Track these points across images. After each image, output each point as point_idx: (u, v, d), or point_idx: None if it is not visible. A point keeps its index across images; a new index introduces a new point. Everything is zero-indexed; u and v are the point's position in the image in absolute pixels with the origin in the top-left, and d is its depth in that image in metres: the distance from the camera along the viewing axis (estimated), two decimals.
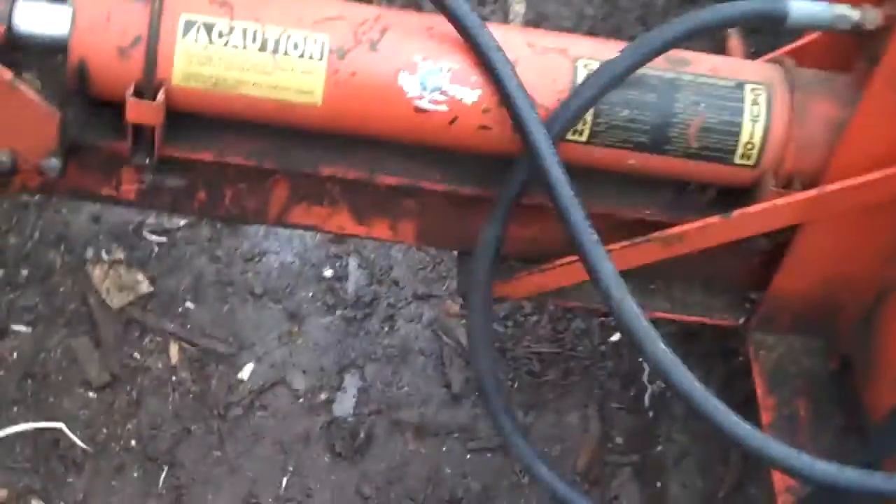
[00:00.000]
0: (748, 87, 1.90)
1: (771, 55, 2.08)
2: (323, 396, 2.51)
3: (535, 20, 3.20)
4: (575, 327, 2.64)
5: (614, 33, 3.18)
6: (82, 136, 1.95)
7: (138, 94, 1.83)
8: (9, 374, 2.46)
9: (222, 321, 2.59)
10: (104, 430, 2.42)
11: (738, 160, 1.90)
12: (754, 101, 1.88)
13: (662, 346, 1.72)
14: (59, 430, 2.40)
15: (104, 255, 2.63)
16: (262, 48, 1.84)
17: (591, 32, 3.19)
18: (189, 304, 2.60)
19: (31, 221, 2.65)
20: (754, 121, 1.88)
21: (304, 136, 1.96)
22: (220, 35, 1.83)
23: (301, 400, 2.51)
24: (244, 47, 1.84)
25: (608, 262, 1.78)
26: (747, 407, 2.18)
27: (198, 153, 1.96)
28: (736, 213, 1.91)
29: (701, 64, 1.92)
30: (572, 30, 3.19)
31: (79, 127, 1.94)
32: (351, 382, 2.53)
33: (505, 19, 3.20)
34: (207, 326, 2.57)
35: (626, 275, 1.84)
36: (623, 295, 1.75)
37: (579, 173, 1.92)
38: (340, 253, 2.71)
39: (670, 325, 2.24)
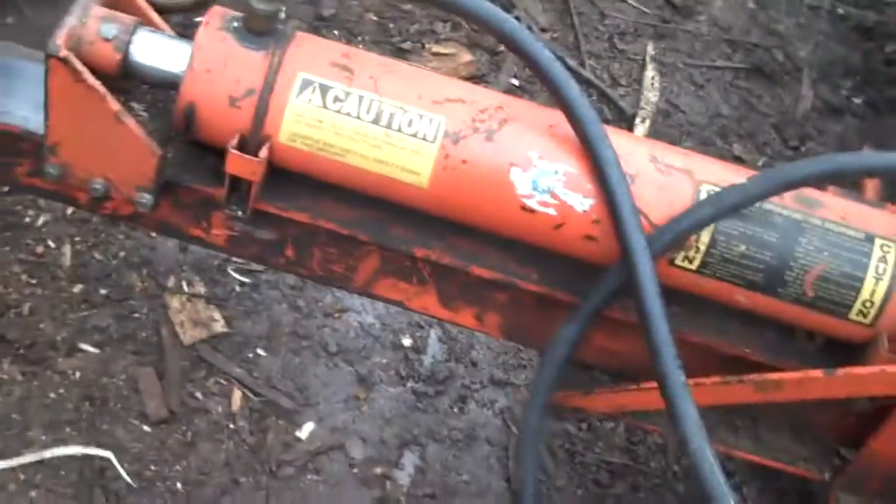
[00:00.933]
0: (878, 241, 1.78)
1: None
2: (379, 470, 2.43)
3: (667, 110, 3.12)
4: (651, 441, 2.53)
5: (746, 137, 3.09)
6: (179, 176, 1.90)
7: (241, 146, 1.78)
8: (69, 393, 2.42)
9: (291, 374, 2.52)
10: (152, 467, 2.36)
11: (853, 316, 1.79)
12: (882, 258, 1.77)
13: None
14: (108, 460, 2.34)
15: (185, 287, 2.59)
16: (376, 120, 1.77)
17: (723, 133, 3.11)
18: (260, 351, 2.54)
19: (118, 240, 2.62)
20: (878, 278, 1.77)
21: (402, 212, 1.88)
22: (336, 100, 1.77)
23: (356, 470, 2.42)
24: (357, 116, 1.77)
25: (690, 403, 1.69)
26: None
27: (292, 213, 1.90)
28: (841, 371, 1.79)
29: (832, 209, 1.81)
30: (703, 126, 3.11)
31: (178, 166, 1.89)
32: (410, 460, 2.45)
33: (636, 104, 3.12)
34: (275, 377, 2.51)
35: (712, 406, 1.73)
36: (701, 444, 1.65)
37: (682, 299, 1.83)
38: (423, 323, 2.63)
39: None
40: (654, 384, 1.84)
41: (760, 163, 3.05)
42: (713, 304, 1.87)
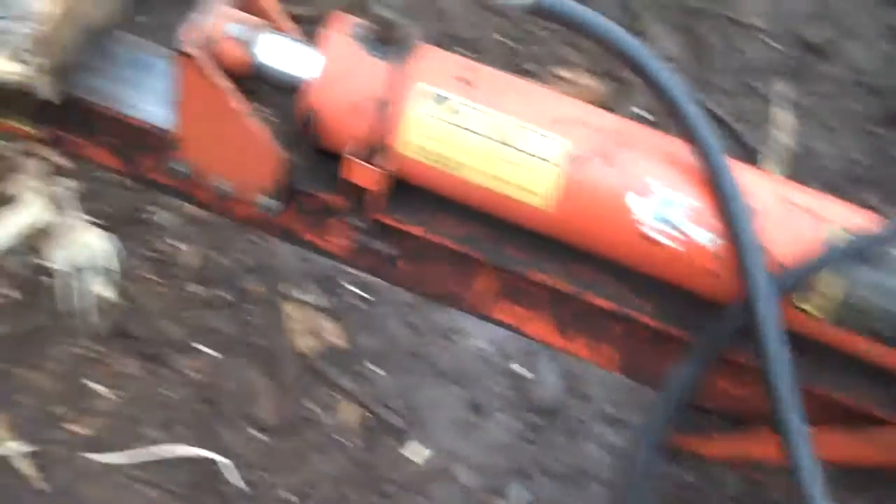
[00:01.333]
0: None
1: None
2: (485, 498, 2.38)
3: (800, 153, 3.02)
4: (769, 497, 2.42)
5: (879, 185, 2.97)
6: (303, 182, 1.89)
7: (362, 155, 1.76)
8: (186, 394, 2.44)
9: (402, 393, 2.50)
10: (263, 475, 2.36)
11: None
12: None
13: None
14: (222, 464, 2.35)
15: (302, 296, 2.59)
16: (494, 136, 1.73)
17: (854, 179, 3.00)
18: (373, 367, 2.53)
19: (239, 245, 2.63)
20: None
21: (518, 232, 1.84)
22: (455, 113, 1.74)
23: (464, 496, 2.38)
24: (476, 131, 1.74)
25: (810, 455, 1.59)
26: None
27: (407, 225, 1.87)
28: None
29: None
30: (834, 171, 3.01)
31: (302, 171, 1.88)
32: (517, 491, 2.39)
33: (764, 142, 3.03)
34: (387, 395, 2.49)
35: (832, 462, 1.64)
36: (820, 501, 1.56)
37: (802, 346, 1.74)
38: (536, 351, 2.58)
39: None
40: (773, 433, 1.77)
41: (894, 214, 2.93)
42: (835, 353, 1.77)
